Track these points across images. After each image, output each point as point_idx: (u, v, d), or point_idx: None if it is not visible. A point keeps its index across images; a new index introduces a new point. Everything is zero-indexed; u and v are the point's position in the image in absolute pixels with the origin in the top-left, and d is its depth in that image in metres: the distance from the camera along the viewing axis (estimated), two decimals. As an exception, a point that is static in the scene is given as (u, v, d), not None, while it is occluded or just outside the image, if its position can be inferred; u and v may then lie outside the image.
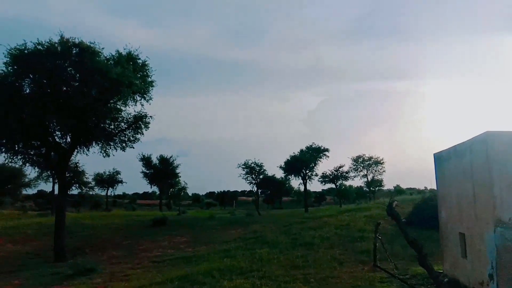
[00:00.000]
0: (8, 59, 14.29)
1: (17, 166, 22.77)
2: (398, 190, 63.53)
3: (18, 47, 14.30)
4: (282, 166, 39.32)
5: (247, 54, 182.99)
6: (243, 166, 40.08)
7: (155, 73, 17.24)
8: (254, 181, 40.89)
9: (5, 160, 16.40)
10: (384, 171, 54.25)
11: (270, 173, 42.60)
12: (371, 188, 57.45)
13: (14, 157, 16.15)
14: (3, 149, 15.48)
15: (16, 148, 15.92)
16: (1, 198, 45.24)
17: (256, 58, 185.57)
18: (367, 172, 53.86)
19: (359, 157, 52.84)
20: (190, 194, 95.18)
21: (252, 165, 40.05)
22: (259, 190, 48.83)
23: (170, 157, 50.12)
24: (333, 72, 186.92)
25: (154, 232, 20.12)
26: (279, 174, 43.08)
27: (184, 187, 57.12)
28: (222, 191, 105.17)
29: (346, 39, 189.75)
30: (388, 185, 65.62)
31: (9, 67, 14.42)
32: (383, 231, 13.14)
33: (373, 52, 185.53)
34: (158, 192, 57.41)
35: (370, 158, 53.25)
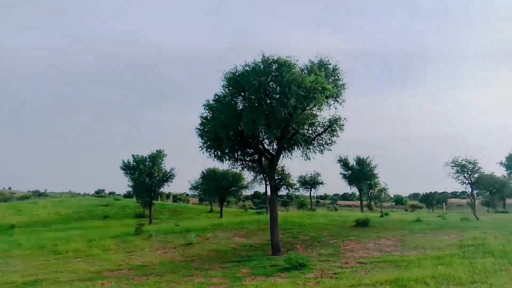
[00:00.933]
0: (225, 82, 17.17)
1: (237, 171, 27.45)
2: None
3: (231, 70, 16.99)
4: (503, 162, 33.12)
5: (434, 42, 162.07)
6: (452, 165, 35.77)
7: (345, 75, 17.49)
8: (467, 181, 35.88)
9: (228, 166, 20.16)
10: None
11: (487, 171, 36.54)
12: None
13: (235, 164, 19.42)
14: (227, 157, 18.70)
15: (236, 156, 18.96)
16: (228, 198, 54.58)
17: (445, 44, 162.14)
18: None
19: None
20: (391, 196, 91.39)
21: (463, 162, 35.28)
22: (475, 191, 42.42)
23: (367, 158, 49.65)
24: None
25: (357, 233, 20.14)
26: (500, 171, 36.44)
27: (384, 188, 55.35)
28: (428, 192, 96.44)
29: None
30: None
31: (226, 89, 17.30)
32: None
33: None
34: (358, 193, 57.51)
35: None
